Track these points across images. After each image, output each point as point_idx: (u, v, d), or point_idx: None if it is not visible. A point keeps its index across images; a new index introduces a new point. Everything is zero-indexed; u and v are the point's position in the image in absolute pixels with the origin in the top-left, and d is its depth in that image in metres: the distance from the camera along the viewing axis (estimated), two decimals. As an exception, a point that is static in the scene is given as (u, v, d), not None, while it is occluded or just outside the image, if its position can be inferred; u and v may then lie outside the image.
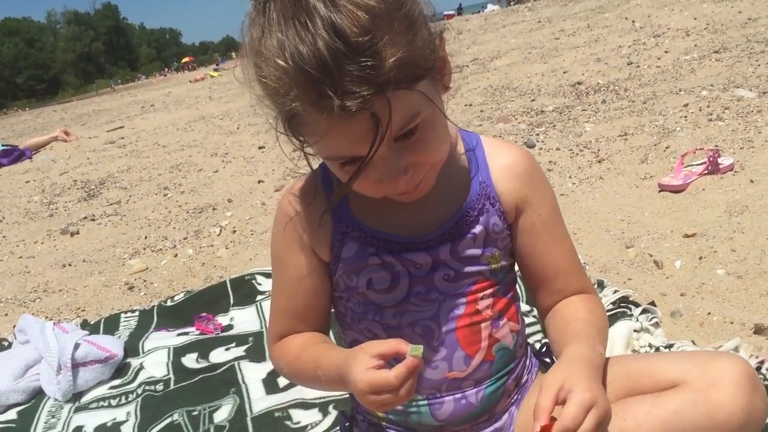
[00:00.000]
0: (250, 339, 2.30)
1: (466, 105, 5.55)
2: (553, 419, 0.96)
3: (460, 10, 34.61)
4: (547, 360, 1.31)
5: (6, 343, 2.62)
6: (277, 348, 1.26)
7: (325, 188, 1.16)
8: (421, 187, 1.05)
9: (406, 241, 1.14)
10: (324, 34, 0.86)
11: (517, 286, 1.28)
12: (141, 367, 2.23)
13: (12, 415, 2.09)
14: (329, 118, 0.90)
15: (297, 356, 1.21)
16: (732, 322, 1.89)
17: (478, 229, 1.15)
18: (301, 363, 1.20)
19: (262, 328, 2.38)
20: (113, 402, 2.07)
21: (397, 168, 0.99)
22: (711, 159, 2.99)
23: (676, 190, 2.92)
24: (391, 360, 1.02)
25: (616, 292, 2.05)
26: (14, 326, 2.64)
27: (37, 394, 2.17)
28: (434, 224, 1.15)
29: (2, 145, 8.27)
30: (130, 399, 2.07)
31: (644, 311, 1.91)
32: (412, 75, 0.93)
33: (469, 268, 1.16)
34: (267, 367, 2.08)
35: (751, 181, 2.82)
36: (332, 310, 1.29)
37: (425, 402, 1.19)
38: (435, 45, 1.00)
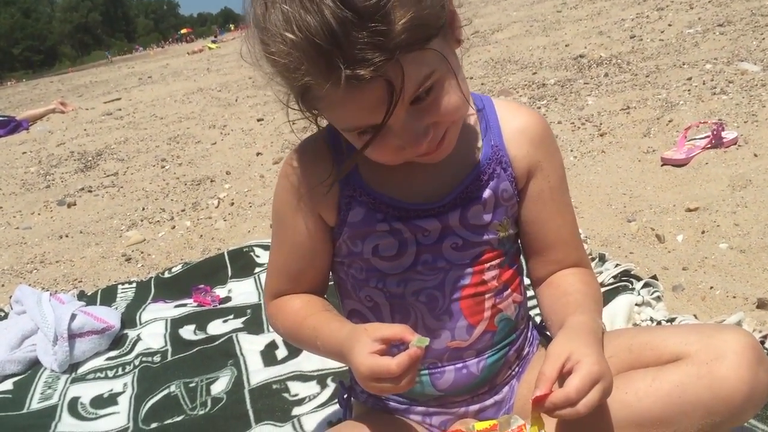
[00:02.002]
0: (248, 311, 2.29)
1: (466, 78, 5.48)
2: (552, 391, 0.94)
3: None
4: (549, 334, 1.29)
5: (2, 314, 2.61)
6: (274, 306, 1.25)
7: (333, 149, 1.13)
8: (445, 144, 1.02)
9: (417, 207, 1.11)
10: (330, 3, 0.83)
11: (521, 258, 1.26)
12: (138, 339, 2.22)
13: (8, 385, 2.08)
14: (343, 89, 0.87)
15: (295, 320, 1.19)
16: (735, 297, 1.87)
17: (487, 193, 1.13)
18: (299, 328, 1.18)
19: (260, 300, 2.36)
20: (110, 373, 2.06)
21: (416, 131, 0.96)
22: (714, 133, 2.96)
23: (679, 164, 2.89)
24: (392, 347, 1.00)
25: (617, 265, 2.03)
26: (11, 297, 2.63)
27: (34, 365, 2.16)
28: (444, 189, 1.12)
29: (-1, 116, 8.22)
30: (127, 370, 2.06)
31: (646, 285, 1.89)
32: (423, 35, 0.90)
33: (477, 237, 1.13)
34: (265, 339, 2.07)
35: (755, 155, 2.79)
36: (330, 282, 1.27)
37: (426, 372, 1.17)
38: (444, 0, 0.95)
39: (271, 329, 2.13)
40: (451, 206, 1.11)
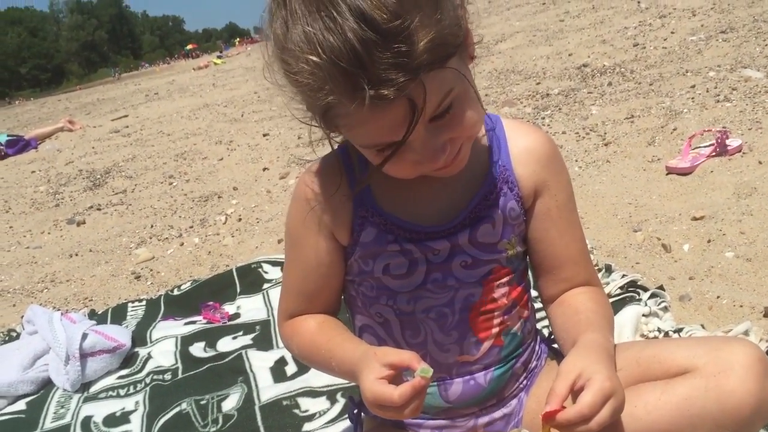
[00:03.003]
0: (258, 327, 2.30)
1: (471, 89, 5.50)
2: (563, 408, 0.95)
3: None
4: (556, 347, 1.30)
5: (14, 334, 2.63)
6: (288, 327, 1.25)
7: (346, 169, 1.14)
8: (459, 159, 1.04)
9: (428, 230, 1.13)
10: (353, 24, 0.84)
11: (528, 274, 1.27)
12: (149, 357, 2.23)
13: (21, 405, 2.09)
14: (366, 108, 0.88)
15: (310, 341, 1.19)
16: (741, 306, 1.88)
17: (495, 213, 1.14)
18: (314, 349, 1.18)
19: (269, 316, 2.37)
20: (122, 392, 2.07)
21: (435, 147, 0.98)
22: (719, 141, 2.96)
23: (684, 172, 2.90)
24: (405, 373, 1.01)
25: (624, 276, 2.03)
26: (22, 317, 2.65)
27: (46, 385, 2.18)
28: (453, 210, 1.13)
29: (7, 135, 8.28)
30: (138, 388, 2.07)
31: (653, 295, 1.90)
32: (443, 54, 0.91)
33: (486, 255, 1.15)
34: (274, 355, 2.08)
35: (760, 163, 2.79)
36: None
37: (434, 384, 1.18)
38: (460, 18, 0.96)
39: (280, 345, 2.14)
40: (461, 227, 1.13)
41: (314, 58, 0.87)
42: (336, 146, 1.13)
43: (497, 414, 1.23)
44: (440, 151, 0.98)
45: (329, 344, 1.16)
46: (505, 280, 1.17)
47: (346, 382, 1.81)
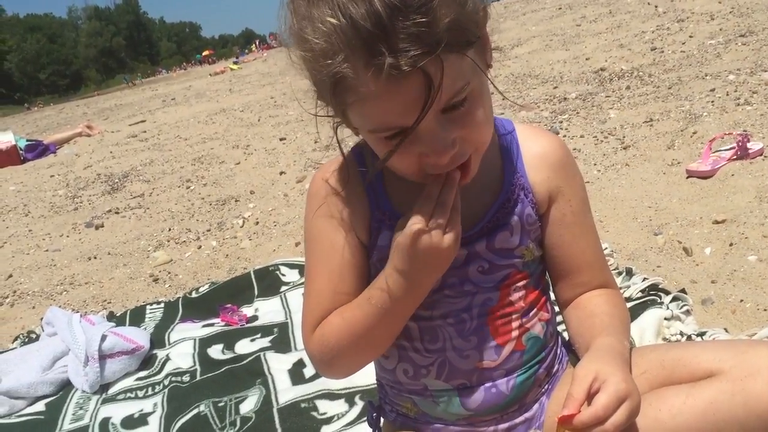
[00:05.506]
0: (275, 330, 2.30)
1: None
2: (579, 411, 0.94)
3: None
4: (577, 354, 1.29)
5: (34, 336, 2.65)
6: (318, 333, 1.15)
7: (360, 171, 1.13)
8: (470, 170, 1.02)
9: None
10: None
11: (546, 278, 1.26)
12: (167, 359, 2.24)
13: (40, 407, 2.11)
14: (380, 79, 0.87)
15: (341, 319, 1.12)
16: (765, 309, 1.85)
17: (513, 220, 1.13)
18: (349, 321, 1.11)
19: (286, 318, 2.37)
20: (140, 393, 2.08)
21: (444, 140, 0.96)
22: (740, 144, 2.93)
23: (705, 176, 2.87)
24: None
25: (645, 279, 2.01)
26: (42, 319, 2.67)
27: (65, 386, 2.19)
28: (471, 218, 1.11)
29: (26, 140, 8.39)
30: (156, 390, 2.08)
31: (675, 299, 1.88)
32: (463, 39, 0.91)
33: (503, 261, 1.13)
34: (293, 357, 2.08)
35: (782, 166, 2.76)
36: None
37: (455, 391, 1.17)
38: (480, 14, 0.97)
39: (299, 347, 2.14)
40: (478, 236, 1.11)
41: (334, 20, 0.87)
42: (347, 152, 1.11)
43: (518, 419, 1.21)
44: (449, 146, 0.96)
45: (357, 300, 1.11)
46: (521, 284, 1.16)
47: (364, 384, 1.80)
